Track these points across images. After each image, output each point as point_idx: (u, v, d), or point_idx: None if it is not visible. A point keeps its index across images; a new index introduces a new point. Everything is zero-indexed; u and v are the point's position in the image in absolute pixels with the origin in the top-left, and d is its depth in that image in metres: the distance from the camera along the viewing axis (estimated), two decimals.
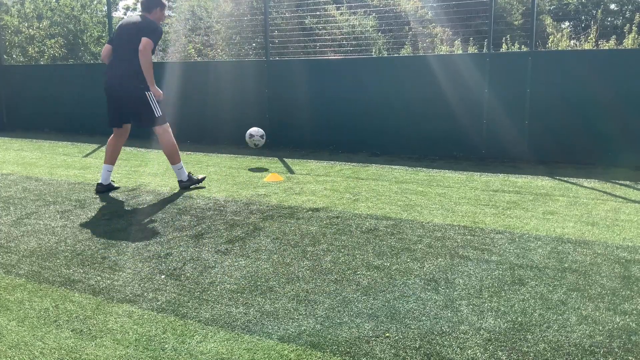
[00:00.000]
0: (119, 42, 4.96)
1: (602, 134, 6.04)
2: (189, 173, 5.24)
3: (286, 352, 2.28)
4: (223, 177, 5.79)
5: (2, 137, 9.21)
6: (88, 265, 3.27)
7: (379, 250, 3.45)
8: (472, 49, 14.05)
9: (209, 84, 8.22)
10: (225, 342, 2.36)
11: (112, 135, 5.19)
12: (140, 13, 5.11)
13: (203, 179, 5.31)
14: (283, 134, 7.81)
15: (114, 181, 5.32)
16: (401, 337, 2.39)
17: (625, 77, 5.91)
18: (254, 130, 6.86)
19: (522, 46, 14.22)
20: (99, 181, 5.14)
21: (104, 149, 7.95)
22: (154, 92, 4.89)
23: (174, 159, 5.11)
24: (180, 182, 5.18)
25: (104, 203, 4.72)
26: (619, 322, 2.48)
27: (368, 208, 4.45)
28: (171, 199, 4.84)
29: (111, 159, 5.16)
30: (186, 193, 5.04)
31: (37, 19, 13.89)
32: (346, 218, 4.17)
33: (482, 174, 5.77)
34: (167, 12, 5.38)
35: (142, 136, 8.68)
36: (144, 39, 4.74)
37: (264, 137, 6.88)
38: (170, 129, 5.08)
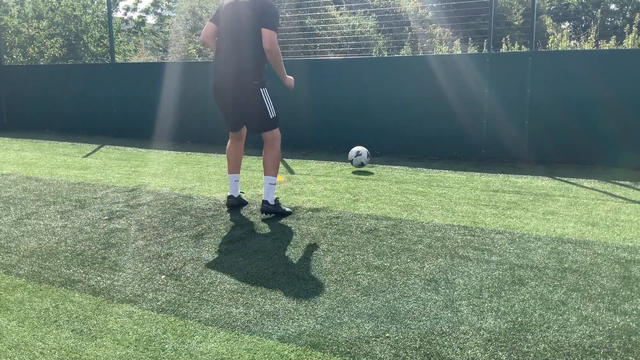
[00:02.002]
0: (226, 28, 4.11)
1: (602, 134, 6.04)
2: (277, 199, 4.30)
3: (286, 352, 2.28)
4: (223, 177, 5.79)
5: (2, 137, 9.21)
6: (88, 265, 3.28)
7: (379, 250, 3.45)
8: (471, 49, 14.05)
9: (209, 84, 8.19)
10: (226, 342, 2.36)
11: (230, 140, 4.51)
12: None
13: (288, 213, 4.28)
14: (283, 134, 7.75)
15: (243, 192, 4.66)
16: (401, 337, 2.39)
17: (625, 77, 5.91)
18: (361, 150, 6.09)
19: (522, 46, 14.23)
20: (229, 193, 4.49)
21: (104, 149, 7.96)
22: (287, 84, 4.34)
23: (270, 170, 4.23)
24: (265, 202, 4.21)
25: (104, 203, 4.72)
26: (619, 323, 2.48)
27: (368, 208, 4.45)
28: (171, 199, 4.84)
29: (235, 167, 4.47)
30: (186, 193, 5.04)
31: (37, 19, 13.89)
32: (346, 218, 4.17)
33: (482, 174, 5.77)
34: None
35: (143, 136, 8.71)
36: (266, 32, 3.93)
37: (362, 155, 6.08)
38: (280, 138, 4.31)
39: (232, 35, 4.09)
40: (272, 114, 4.17)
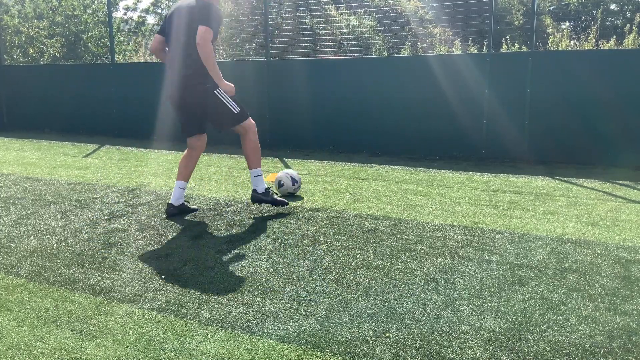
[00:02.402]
0: (172, 37, 4.13)
1: (602, 134, 6.04)
2: (268, 188, 4.37)
3: (286, 352, 2.28)
4: (223, 177, 5.79)
5: (2, 137, 9.21)
6: (88, 265, 3.28)
7: (379, 250, 3.45)
8: (471, 49, 14.05)
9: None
10: (226, 342, 2.36)
11: (187, 149, 4.43)
12: None
13: (284, 203, 4.36)
14: (283, 134, 7.81)
15: (188, 201, 4.52)
16: (401, 337, 2.39)
17: (625, 77, 5.91)
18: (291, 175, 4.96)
19: (522, 46, 14.22)
20: (169, 201, 4.36)
21: (104, 149, 7.96)
22: (223, 88, 4.09)
23: (253, 162, 4.31)
24: (254, 192, 4.33)
25: (104, 203, 4.72)
26: (619, 322, 2.48)
27: (368, 208, 4.45)
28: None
29: (184, 175, 4.35)
30: (186, 193, 5.04)
31: (37, 19, 13.89)
32: (346, 218, 4.17)
33: (482, 174, 5.77)
34: None
35: (143, 136, 8.71)
36: (200, 28, 3.87)
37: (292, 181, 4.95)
38: (254, 127, 4.32)
39: (177, 43, 4.09)
40: (235, 109, 4.17)
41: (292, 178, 4.88)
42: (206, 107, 4.15)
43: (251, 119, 4.30)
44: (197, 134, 4.36)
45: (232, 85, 4.15)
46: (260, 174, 4.33)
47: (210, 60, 3.96)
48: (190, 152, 4.39)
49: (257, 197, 4.32)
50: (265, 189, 4.33)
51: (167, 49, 4.26)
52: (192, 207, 4.45)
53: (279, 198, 4.38)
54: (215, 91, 4.09)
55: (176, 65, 4.11)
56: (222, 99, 4.12)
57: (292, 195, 4.88)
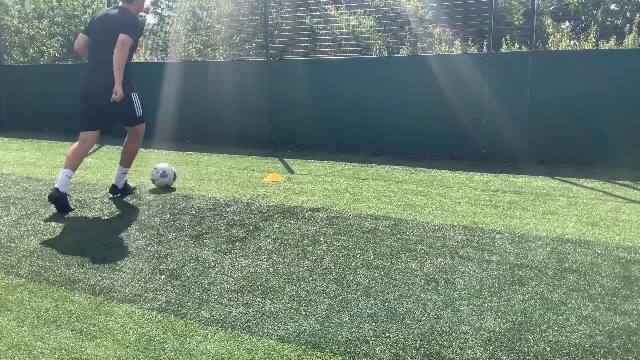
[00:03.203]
0: (95, 39, 4.59)
1: (602, 134, 6.04)
2: (126, 181, 4.99)
3: (286, 352, 2.28)
4: (223, 177, 5.79)
5: (2, 137, 9.21)
6: (88, 265, 3.28)
7: (379, 250, 3.45)
8: (471, 49, 14.04)
9: (209, 84, 8.22)
10: (225, 342, 2.36)
11: (84, 143, 4.71)
12: (120, 4, 4.64)
13: (133, 189, 5.07)
14: (283, 134, 7.81)
15: (69, 194, 4.64)
16: (401, 337, 2.39)
17: (625, 77, 5.91)
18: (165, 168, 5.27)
19: (522, 46, 14.22)
20: (56, 186, 4.45)
21: (104, 149, 7.96)
22: (115, 89, 4.41)
23: (127, 162, 4.92)
24: (113, 186, 4.90)
25: (104, 203, 4.72)
26: (619, 322, 2.48)
27: (368, 208, 4.45)
28: (171, 199, 4.84)
29: (73, 164, 4.58)
30: (186, 193, 5.04)
31: (37, 19, 13.89)
32: (346, 218, 4.17)
33: (482, 174, 5.77)
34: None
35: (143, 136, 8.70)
36: (122, 36, 4.36)
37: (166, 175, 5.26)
38: (142, 134, 4.96)
39: (101, 45, 4.52)
40: (138, 113, 4.80)
41: (174, 172, 5.30)
42: (121, 105, 4.57)
43: (143, 126, 4.95)
44: (90, 129, 4.78)
45: (122, 93, 4.47)
46: (126, 174, 4.95)
47: (120, 62, 4.41)
48: (87, 146, 4.78)
49: (115, 190, 4.94)
50: (125, 183, 4.96)
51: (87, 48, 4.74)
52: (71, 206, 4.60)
53: (132, 186, 5.07)
54: (132, 93, 4.68)
55: (100, 67, 4.55)
56: (134, 102, 4.75)
57: (291, 194, 4.89)
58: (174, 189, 5.20)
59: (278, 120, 7.81)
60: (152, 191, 5.14)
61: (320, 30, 14.16)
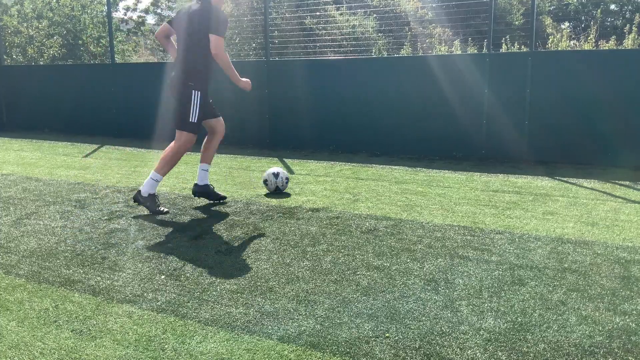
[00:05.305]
0: (180, 33, 4.40)
1: (602, 134, 6.04)
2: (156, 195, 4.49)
3: (286, 352, 2.28)
4: (223, 177, 5.79)
5: (2, 137, 9.21)
6: (88, 265, 3.27)
7: (379, 250, 3.45)
8: (471, 49, 14.04)
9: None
10: (225, 343, 2.36)
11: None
12: None
13: (167, 212, 4.42)
14: (283, 134, 7.81)
15: (212, 185, 4.74)
16: (401, 337, 2.39)
17: (625, 77, 5.91)
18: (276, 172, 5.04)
19: (522, 46, 14.21)
20: (196, 181, 4.63)
21: (104, 149, 7.96)
22: (242, 86, 4.49)
23: (163, 169, 4.40)
24: (138, 192, 4.39)
25: (104, 203, 4.72)
26: (619, 323, 2.48)
27: (368, 208, 4.45)
28: (171, 199, 4.84)
29: (205, 158, 4.64)
30: (186, 193, 5.04)
31: (36, 19, 13.89)
32: (346, 218, 4.17)
33: (482, 174, 5.77)
34: None
35: (143, 136, 8.71)
36: (212, 38, 4.13)
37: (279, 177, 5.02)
38: (188, 146, 4.40)
39: (183, 41, 4.35)
40: (192, 118, 4.31)
41: (275, 174, 5.00)
42: (179, 101, 4.35)
43: (194, 137, 4.39)
44: (211, 118, 4.57)
45: (249, 80, 4.54)
46: (158, 181, 4.41)
47: (228, 67, 4.30)
48: (209, 137, 4.67)
49: (140, 199, 4.37)
50: (150, 195, 4.37)
51: (174, 43, 4.57)
52: (221, 194, 4.73)
53: (162, 209, 4.41)
54: (193, 91, 4.29)
55: (178, 61, 4.38)
56: (192, 103, 4.30)
57: (291, 194, 4.89)
58: (174, 190, 5.20)
59: (278, 120, 7.81)
60: None
61: (320, 31, 14.16)
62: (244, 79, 4.52)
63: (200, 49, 4.23)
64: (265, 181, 4.99)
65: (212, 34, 4.15)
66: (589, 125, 6.09)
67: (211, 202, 4.70)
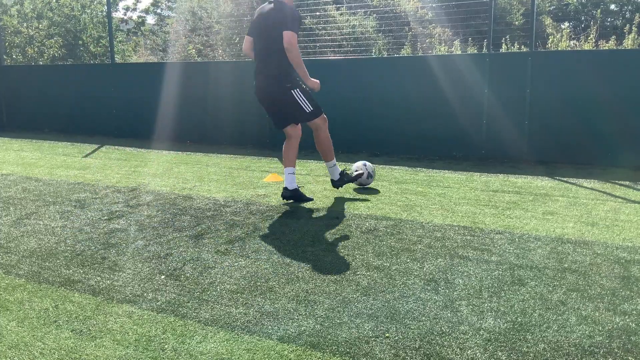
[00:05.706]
0: (258, 38, 4.54)
1: (602, 134, 6.04)
2: (343, 171, 4.89)
3: (286, 352, 2.28)
4: (223, 177, 5.80)
5: (2, 137, 9.21)
6: (88, 265, 3.28)
7: (379, 250, 3.45)
8: (471, 49, 14.04)
9: (209, 84, 8.21)
10: (225, 343, 2.36)
11: (288, 135, 4.76)
12: None
13: (358, 176, 4.93)
14: (283, 134, 7.79)
15: (302, 186, 4.91)
16: (401, 337, 2.39)
17: (625, 77, 5.91)
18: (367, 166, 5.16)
19: (522, 46, 14.21)
20: (284, 185, 4.66)
21: (104, 149, 7.96)
22: (311, 86, 4.62)
23: (327, 156, 4.79)
24: (332, 181, 4.87)
25: (104, 203, 4.72)
26: (619, 323, 2.48)
27: (368, 208, 4.45)
28: (171, 199, 4.85)
29: (288, 161, 4.68)
30: (186, 193, 5.04)
31: (36, 19, 13.89)
32: (346, 218, 4.17)
33: (482, 174, 5.77)
34: None
35: (142, 136, 8.71)
36: (286, 34, 4.26)
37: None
38: (325, 124, 4.72)
39: (262, 44, 4.49)
40: (307, 108, 4.57)
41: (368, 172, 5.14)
42: (286, 104, 4.54)
43: (324, 115, 4.69)
44: (290, 124, 4.68)
45: (318, 81, 4.68)
46: (335, 165, 4.81)
47: (298, 64, 4.39)
48: (289, 141, 4.75)
49: (336, 184, 4.85)
50: (341, 172, 4.83)
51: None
52: (308, 196, 4.73)
53: (355, 174, 4.94)
54: (292, 91, 4.50)
55: (262, 67, 4.52)
56: (298, 99, 4.53)
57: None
58: (174, 190, 5.20)
59: None
60: (151, 191, 5.14)
61: (320, 30, 14.16)
62: (313, 79, 4.61)
63: (281, 48, 4.34)
64: (359, 175, 5.00)
65: (286, 30, 4.27)
66: (589, 125, 6.09)
67: (218, 202, 4.70)
